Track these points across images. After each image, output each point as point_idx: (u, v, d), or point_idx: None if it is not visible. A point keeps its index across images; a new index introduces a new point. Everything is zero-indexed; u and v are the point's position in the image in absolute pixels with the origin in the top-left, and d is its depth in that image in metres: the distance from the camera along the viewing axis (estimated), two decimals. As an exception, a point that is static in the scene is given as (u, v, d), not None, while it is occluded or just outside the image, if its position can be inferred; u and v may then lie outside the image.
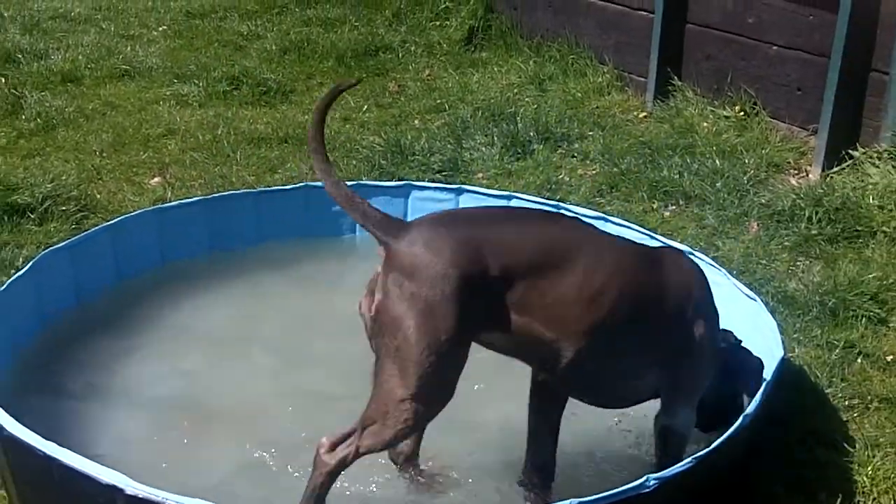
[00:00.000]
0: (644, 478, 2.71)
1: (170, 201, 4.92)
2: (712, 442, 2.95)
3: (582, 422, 3.33)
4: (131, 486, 2.54)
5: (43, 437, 2.75)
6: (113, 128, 5.89)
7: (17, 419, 2.82)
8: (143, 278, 4.10)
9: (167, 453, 3.22)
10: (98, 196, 5.04)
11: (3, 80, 6.42)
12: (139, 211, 4.35)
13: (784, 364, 3.35)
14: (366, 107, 6.21)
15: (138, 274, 4.09)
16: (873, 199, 4.88)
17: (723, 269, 3.92)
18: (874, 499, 3.27)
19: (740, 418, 3.02)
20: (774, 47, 5.67)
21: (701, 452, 2.86)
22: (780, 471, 3.36)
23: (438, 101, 6.23)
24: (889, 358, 3.94)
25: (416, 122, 6.01)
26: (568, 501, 2.59)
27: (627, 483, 2.70)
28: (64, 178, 5.12)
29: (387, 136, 5.67)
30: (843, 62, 5.17)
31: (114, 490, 2.55)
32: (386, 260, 2.72)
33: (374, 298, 2.70)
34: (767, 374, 3.25)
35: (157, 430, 3.34)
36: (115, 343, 3.76)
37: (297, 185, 4.53)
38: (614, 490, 2.67)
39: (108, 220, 4.31)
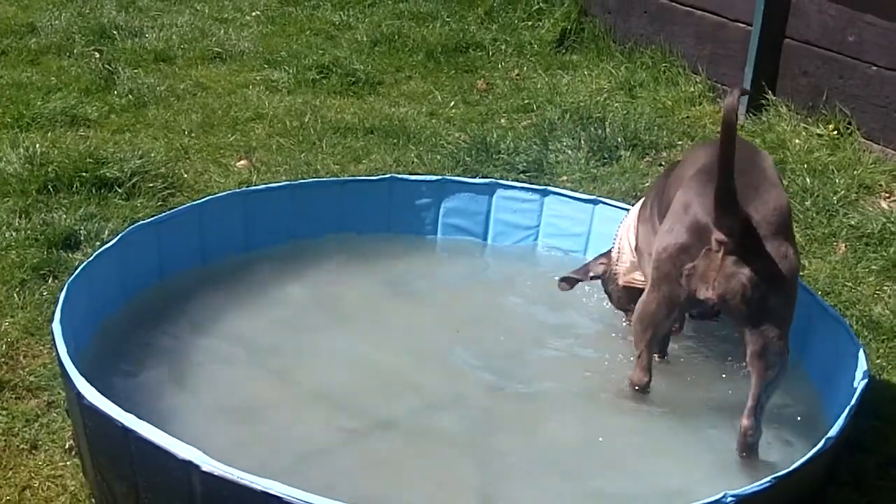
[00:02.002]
0: (722, 494, 2.65)
1: (255, 184, 4.97)
2: (793, 462, 2.89)
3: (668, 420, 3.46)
4: (207, 463, 2.55)
5: (120, 406, 2.78)
6: (202, 109, 5.95)
7: (95, 385, 2.85)
8: (225, 260, 4.11)
9: (242, 434, 3.24)
10: (185, 175, 5.09)
11: (98, 56, 6.52)
12: (226, 192, 4.38)
13: (867, 388, 3.27)
14: (453, 103, 6.19)
15: (222, 256, 4.11)
16: (966, 227, 4.75)
17: (808, 289, 3.84)
18: (949, 533, 3.18)
19: (822, 441, 2.95)
20: (874, 67, 5.54)
21: (780, 473, 2.80)
22: (856, 497, 3.28)
23: (526, 102, 6.19)
24: (976, 389, 3.83)
25: (503, 120, 5.98)
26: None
27: (705, 499, 2.65)
28: (152, 155, 5.18)
29: (472, 133, 5.65)
30: (943, 86, 5.05)
31: (189, 465, 2.57)
32: None
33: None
34: (851, 398, 3.17)
35: (232, 411, 3.36)
36: (193, 321, 3.78)
37: (384, 176, 4.53)
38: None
39: (194, 200, 4.36)
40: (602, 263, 3.90)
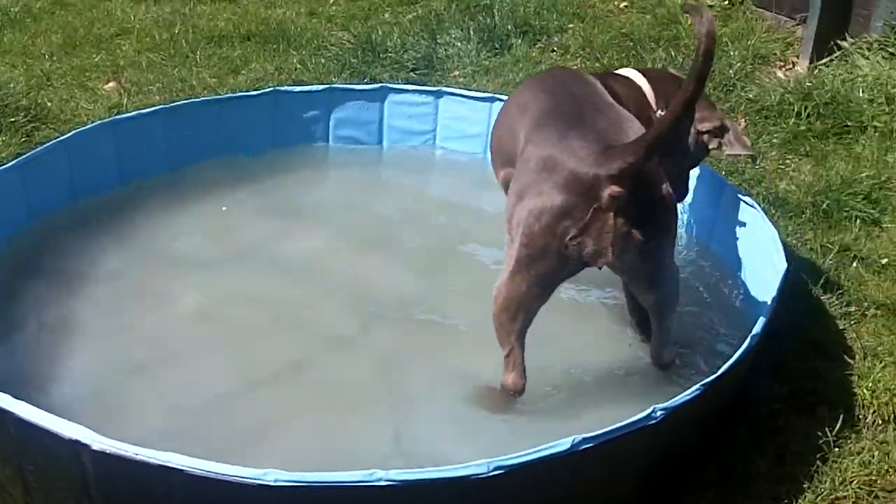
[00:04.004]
0: (650, 409, 2.54)
1: (126, 108, 4.64)
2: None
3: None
4: (97, 441, 2.32)
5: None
6: (62, 28, 5.56)
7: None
8: (100, 197, 3.82)
9: (133, 398, 2.99)
10: (49, 104, 4.73)
11: (-59, -22, 6.02)
12: (93, 124, 4.05)
13: (786, 277, 3.18)
14: None
15: (95, 193, 3.82)
16: (863, 92, 4.71)
17: (719, 175, 3.73)
18: (874, 411, 3.15)
19: (747, 339, 2.86)
20: (761, -69, 5.39)
21: (707, 379, 2.70)
22: (778, 385, 3.23)
23: (410, -8, 5.92)
24: (884, 261, 3.81)
25: (387, 15, 5.72)
26: (572, 438, 2.42)
27: (633, 416, 2.53)
28: (11, 85, 4.81)
29: (356, 31, 5.38)
30: (834, -54, 4.92)
31: (78, 445, 2.33)
32: None
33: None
34: (772, 288, 3.08)
35: (121, 372, 3.09)
36: (70, 270, 3.50)
37: (266, 91, 4.26)
38: (620, 423, 2.50)
39: (61, 133, 4.03)
40: None
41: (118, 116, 4.10)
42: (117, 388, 3.01)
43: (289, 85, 4.74)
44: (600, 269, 2.78)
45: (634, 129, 2.79)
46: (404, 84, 4.60)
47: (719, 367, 2.77)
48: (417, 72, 5.03)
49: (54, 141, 3.81)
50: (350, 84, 4.62)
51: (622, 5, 5.73)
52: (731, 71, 4.96)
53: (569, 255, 2.70)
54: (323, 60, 5.11)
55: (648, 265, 2.80)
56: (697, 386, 2.67)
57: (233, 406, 2.96)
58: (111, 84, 4.93)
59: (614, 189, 2.60)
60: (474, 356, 3.11)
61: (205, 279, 3.54)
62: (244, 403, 2.97)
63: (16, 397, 2.45)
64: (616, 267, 2.79)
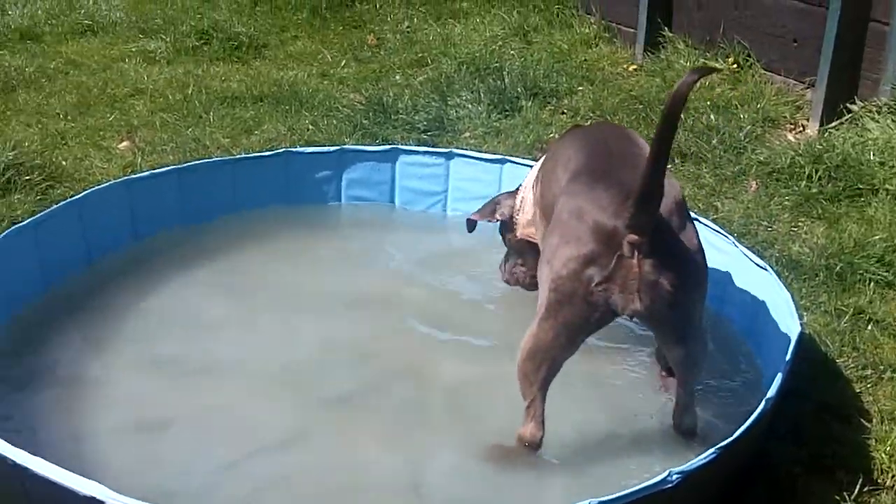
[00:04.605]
0: (666, 472, 2.52)
1: (140, 167, 4.67)
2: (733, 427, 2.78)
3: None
4: (113, 499, 2.31)
5: (12, 438, 2.53)
6: (77, 88, 5.60)
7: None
8: (114, 256, 3.85)
9: (148, 454, 2.99)
10: (64, 163, 4.76)
11: (-42, 39, 6.11)
12: (107, 183, 4.07)
13: (801, 339, 3.17)
14: (344, 62, 5.95)
15: (109, 251, 3.84)
16: (874, 154, 4.71)
17: (731, 237, 3.74)
18: (893, 475, 3.11)
19: (762, 402, 2.84)
20: (769, -4, 5.45)
21: (723, 442, 2.68)
22: (796, 449, 3.20)
23: (420, 55, 5.98)
24: (900, 324, 3.78)
25: (398, 77, 5.75)
26: (587, 502, 2.40)
27: (648, 478, 2.51)
28: (26, 144, 4.84)
29: (368, 93, 5.42)
30: (841, 12, 4.95)
31: (94, 503, 2.32)
32: None
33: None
34: (786, 351, 3.07)
35: (135, 429, 3.09)
36: (85, 330, 3.51)
37: (278, 151, 4.28)
38: (635, 487, 2.48)
39: (75, 192, 4.05)
40: (508, 205, 3.64)
41: (132, 176, 4.12)
42: (129, 446, 3.01)
43: (301, 145, 4.78)
44: (631, 319, 2.82)
45: (669, 185, 2.81)
46: (415, 145, 4.63)
47: (735, 431, 2.75)
48: (428, 133, 5.06)
49: (67, 200, 3.83)
50: (362, 145, 4.65)
51: (631, 68, 5.78)
52: (741, 134, 4.98)
53: (595, 301, 2.74)
54: (335, 121, 5.15)
55: (677, 317, 2.82)
56: (713, 449, 2.65)
57: (241, 468, 2.95)
58: (125, 143, 4.96)
59: (632, 237, 2.68)
60: (485, 413, 3.12)
61: (215, 338, 3.54)
62: (252, 466, 2.96)
63: (32, 453, 2.44)
64: (645, 317, 2.80)
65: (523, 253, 3.62)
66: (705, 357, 3.03)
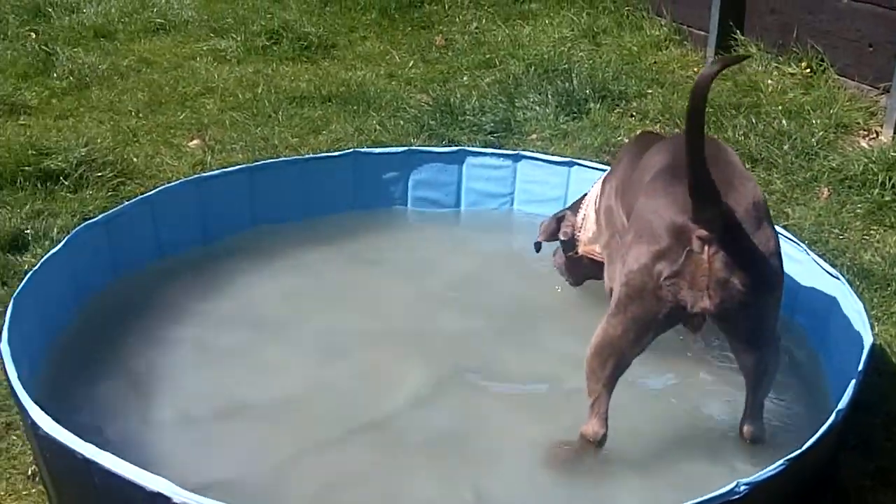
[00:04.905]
0: (734, 483, 2.48)
1: (210, 165, 4.72)
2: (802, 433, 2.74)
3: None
4: (179, 495, 2.33)
5: (81, 430, 2.55)
6: (148, 86, 5.67)
7: (54, 408, 2.64)
8: (183, 254, 3.89)
9: (213, 448, 3.02)
10: (135, 160, 4.82)
11: (34, 36, 6.21)
12: (179, 181, 4.12)
13: (872, 351, 3.11)
14: (412, 62, 5.95)
15: (179, 249, 3.88)
16: (949, 162, 4.60)
17: (802, 245, 3.67)
18: (964, 491, 3.04)
19: (833, 414, 2.78)
20: (843, 0, 5.34)
21: (792, 454, 2.63)
22: (865, 461, 3.14)
23: (488, 56, 5.96)
24: (972, 337, 3.69)
25: (465, 78, 5.75)
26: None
27: (716, 486, 2.48)
28: (99, 141, 4.91)
29: (435, 94, 5.42)
30: (918, 16, 4.87)
31: (159, 498, 2.35)
32: None
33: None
34: (857, 362, 3.01)
35: (202, 422, 3.12)
36: (153, 324, 3.54)
37: (347, 151, 4.30)
38: (703, 497, 2.44)
39: (146, 189, 4.11)
40: (570, 224, 3.68)
41: (203, 174, 4.17)
42: (194, 440, 3.03)
43: (368, 146, 4.79)
44: (704, 319, 2.78)
45: (749, 187, 2.84)
46: (482, 147, 4.62)
47: (805, 442, 2.70)
48: (495, 135, 5.05)
49: (139, 198, 3.89)
50: (428, 146, 4.65)
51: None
52: (812, 139, 4.90)
53: (664, 296, 2.73)
54: (402, 122, 5.15)
55: (749, 319, 2.80)
56: (782, 461, 2.59)
57: (307, 463, 2.96)
58: (195, 141, 5.01)
59: (700, 232, 2.68)
60: (550, 416, 3.10)
61: (284, 336, 3.55)
62: (318, 460, 2.97)
63: (100, 447, 2.47)
64: (715, 317, 2.77)
65: (581, 272, 3.68)
66: (777, 366, 2.99)
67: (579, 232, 3.63)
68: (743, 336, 2.86)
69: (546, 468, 2.96)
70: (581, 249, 3.64)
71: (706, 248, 2.68)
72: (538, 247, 3.81)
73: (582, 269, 3.69)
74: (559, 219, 3.73)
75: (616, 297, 2.83)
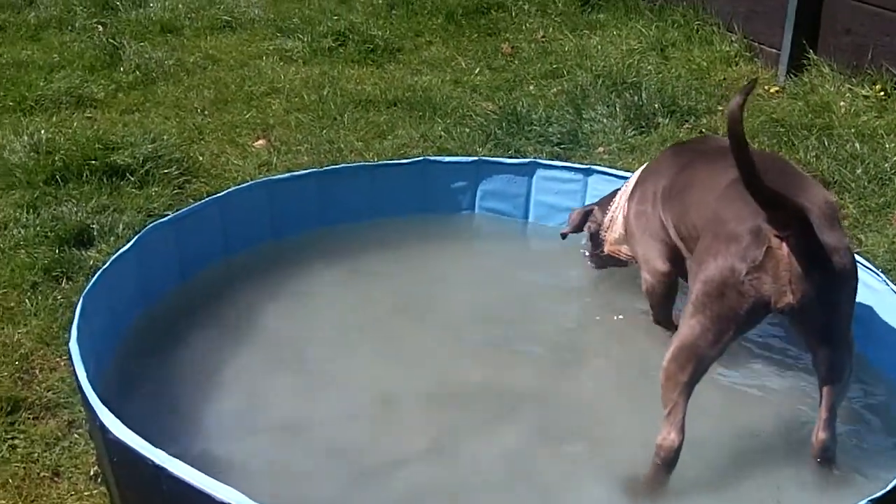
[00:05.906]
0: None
1: (275, 167, 4.70)
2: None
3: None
4: (248, 506, 2.30)
5: (149, 433, 2.53)
6: (214, 84, 5.66)
7: (120, 409, 2.61)
8: (251, 256, 3.86)
9: (284, 458, 2.99)
10: (200, 158, 4.80)
11: (102, 29, 6.23)
12: (248, 183, 4.09)
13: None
14: (478, 69, 5.89)
15: (247, 250, 3.86)
16: None
17: (879, 273, 3.57)
18: None
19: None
20: (923, 23, 5.24)
21: (876, 494, 2.56)
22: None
23: (555, 66, 5.88)
24: None
25: (532, 88, 5.68)
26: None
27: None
28: (165, 137, 4.89)
29: (501, 102, 5.36)
30: None
31: (230, 509, 2.32)
32: None
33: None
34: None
35: (271, 430, 3.10)
36: (221, 325, 3.52)
37: (416, 159, 4.25)
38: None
39: (214, 189, 4.09)
40: (596, 221, 3.79)
41: (273, 177, 4.14)
42: (262, 448, 3.02)
43: (433, 153, 4.75)
44: (783, 313, 2.81)
45: (818, 189, 3.00)
46: (549, 159, 4.55)
47: (887, 482, 2.62)
48: (562, 146, 4.98)
49: (209, 199, 3.87)
50: (494, 156, 4.59)
51: (773, 90, 5.61)
52: (886, 164, 4.79)
53: (745, 291, 2.76)
54: (467, 130, 5.10)
55: (827, 315, 2.84)
56: (866, 501, 2.52)
57: (372, 479, 2.92)
58: (261, 142, 4.99)
59: (778, 230, 2.74)
60: (619, 435, 3.07)
61: (348, 342, 3.53)
62: (385, 477, 2.93)
63: (169, 453, 2.45)
64: (797, 312, 2.80)
65: (605, 264, 3.83)
66: (850, 367, 2.95)
67: (605, 232, 3.72)
68: (820, 332, 2.87)
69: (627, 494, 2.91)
70: (607, 248, 3.74)
71: (784, 244, 2.74)
72: (564, 237, 3.91)
73: (605, 261, 3.82)
74: (587, 213, 3.84)
75: (693, 298, 2.84)
